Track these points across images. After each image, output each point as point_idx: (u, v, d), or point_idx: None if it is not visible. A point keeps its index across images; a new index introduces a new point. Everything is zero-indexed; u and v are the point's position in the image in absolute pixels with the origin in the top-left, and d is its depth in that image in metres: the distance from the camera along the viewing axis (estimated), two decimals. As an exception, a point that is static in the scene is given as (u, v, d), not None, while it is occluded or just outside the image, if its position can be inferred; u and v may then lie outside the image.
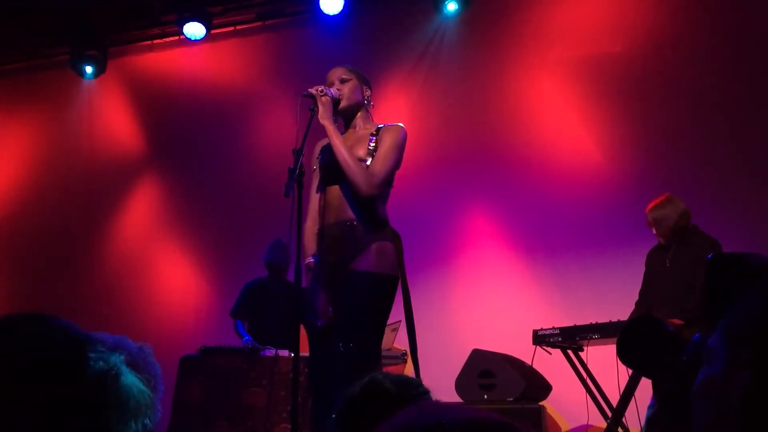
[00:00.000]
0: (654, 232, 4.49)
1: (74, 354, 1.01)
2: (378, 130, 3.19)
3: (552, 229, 5.72)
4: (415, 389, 1.47)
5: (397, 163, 3.14)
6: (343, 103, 3.20)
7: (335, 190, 3.13)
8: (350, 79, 3.24)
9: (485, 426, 0.71)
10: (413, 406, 0.78)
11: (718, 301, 1.57)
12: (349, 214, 3.10)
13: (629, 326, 2.88)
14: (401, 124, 3.22)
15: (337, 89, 3.21)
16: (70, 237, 7.23)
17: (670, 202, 4.45)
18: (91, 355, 1.03)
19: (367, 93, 3.28)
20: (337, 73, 3.27)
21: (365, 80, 3.30)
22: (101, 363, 1.03)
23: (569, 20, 6.08)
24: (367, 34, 6.67)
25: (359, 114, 3.25)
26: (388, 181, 3.13)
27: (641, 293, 4.65)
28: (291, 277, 5.57)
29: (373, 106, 3.31)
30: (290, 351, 4.79)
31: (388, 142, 3.12)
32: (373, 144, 3.14)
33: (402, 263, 3.10)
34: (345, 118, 3.27)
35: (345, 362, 2.86)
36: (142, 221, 7.17)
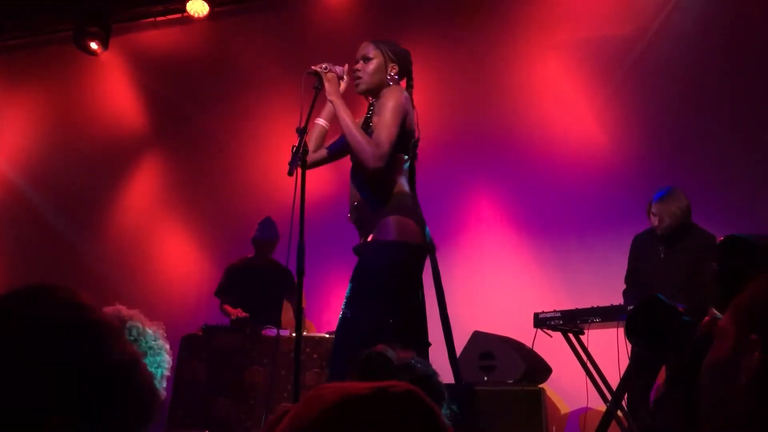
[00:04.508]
0: (654, 223, 4.50)
1: (87, 339, 0.93)
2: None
3: (554, 212, 5.71)
4: (424, 368, 1.45)
5: (400, 126, 2.97)
6: (362, 87, 3.13)
7: (354, 174, 3.11)
8: (373, 59, 3.13)
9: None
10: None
11: (730, 282, 1.56)
12: (361, 194, 3.09)
13: (640, 306, 2.86)
14: (400, 86, 3.11)
15: (358, 69, 3.13)
16: (72, 214, 7.23)
17: (675, 196, 4.44)
18: (109, 341, 0.95)
19: (394, 70, 3.13)
20: (363, 50, 3.17)
21: (393, 56, 3.16)
22: (118, 351, 0.95)
23: (575, 1, 6.03)
24: (373, 13, 6.61)
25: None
26: (393, 147, 2.96)
27: (629, 280, 4.67)
28: (276, 255, 5.63)
29: (398, 80, 3.15)
30: (277, 328, 4.86)
31: (387, 105, 2.98)
32: (369, 113, 3.07)
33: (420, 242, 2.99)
34: (374, 98, 3.17)
35: (347, 328, 2.86)
36: (145, 199, 7.17)
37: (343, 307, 2.92)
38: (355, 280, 2.95)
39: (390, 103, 2.98)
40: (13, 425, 0.85)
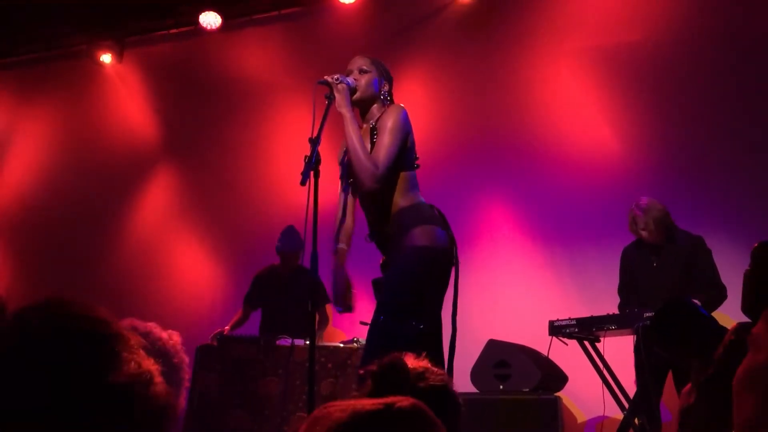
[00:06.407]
0: (644, 236, 4.55)
1: (101, 351, 0.92)
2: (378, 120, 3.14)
3: (569, 219, 5.68)
4: (439, 377, 1.44)
5: (400, 147, 3.04)
6: (357, 95, 3.16)
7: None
8: (369, 71, 3.19)
9: None
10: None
11: (764, 289, 1.52)
12: (380, 216, 3.09)
13: (666, 309, 2.83)
14: (400, 105, 3.15)
15: (354, 79, 3.18)
16: (87, 226, 7.28)
17: (653, 205, 4.52)
18: (124, 354, 0.94)
19: (386, 87, 3.22)
20: (358, 62, 3.23)
21: (385, 74, 3.25)
22: (133, 365, 0.94)
23: (586, 8, 6.02)
24: (383, 23, 6.64)
25: (374, 107, 3.20)
26: (392, 168, 3.03)
27: (623, 293, 4.66)
28: (303, 262, 5.64)
29: (390, 101, 3.23)
30: (305, 339, 4.82)
31: (387, 126, 3.04)
32: (376, 137, 3.10)
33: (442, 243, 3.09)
34: (361, 111, 3.24)
35: (378, 333, 2.88)
36: (159, 210, 7.20)
37: (375, 311, 2.96)
38: (384, 285, 3.03)
39: (389, 124, 3.04)
40: (20, 426, 0.85)
